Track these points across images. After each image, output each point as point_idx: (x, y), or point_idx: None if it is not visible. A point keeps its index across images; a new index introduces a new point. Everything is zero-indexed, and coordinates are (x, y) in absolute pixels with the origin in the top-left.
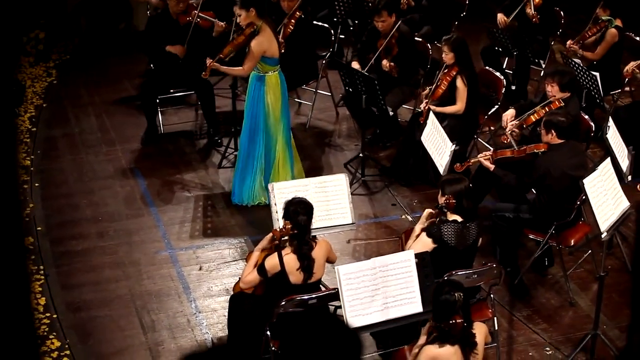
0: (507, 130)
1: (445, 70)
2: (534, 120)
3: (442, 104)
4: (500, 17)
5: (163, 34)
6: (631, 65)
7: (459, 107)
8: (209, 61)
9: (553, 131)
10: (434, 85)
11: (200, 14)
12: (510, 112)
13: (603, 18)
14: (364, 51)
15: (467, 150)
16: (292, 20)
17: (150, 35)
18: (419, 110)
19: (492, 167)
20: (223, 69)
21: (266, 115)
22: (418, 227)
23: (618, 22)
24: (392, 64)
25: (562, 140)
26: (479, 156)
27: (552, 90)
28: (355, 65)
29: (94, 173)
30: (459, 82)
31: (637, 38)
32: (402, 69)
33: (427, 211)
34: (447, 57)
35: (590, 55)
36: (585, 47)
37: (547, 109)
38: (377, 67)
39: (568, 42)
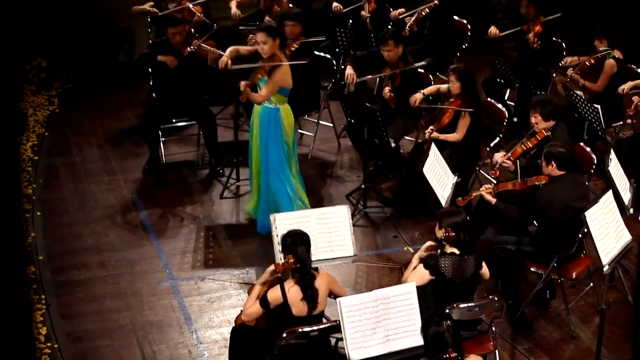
0: (496, 164)
1: (452, 100)
2: (520, 152)
3: (444, 132)
4: (492, 29)
5: (164, 62)
6: (628, 85)
7: (458, 136)
8: (242, 84)
9: (553, 162)
10: (440, 114)
11: (202, 43)
12: (500, 154)
13: (600, 49)
14: (363, 63)
15: (469, 182)
16: (295, 43)
17: (150, 55)
18: (420, 141)
19: (493, 200)
20: (252, 95)
21: (287, 145)
22: (415, 259)
23: (617, 53)
24: (392, 94)
25: (563, 172)
26: (480, 190)
27: (536, 120)
28: (349, 69)
29: (95, 202)
30: (463, 115)
31: (639, 70)
32: (403, 100)
33: (428, 243)
34: (454, 86)
35: (592, 85)
36: (586, 78)
37: (533, 139)
38: (380, 96)
39: (569, 71)
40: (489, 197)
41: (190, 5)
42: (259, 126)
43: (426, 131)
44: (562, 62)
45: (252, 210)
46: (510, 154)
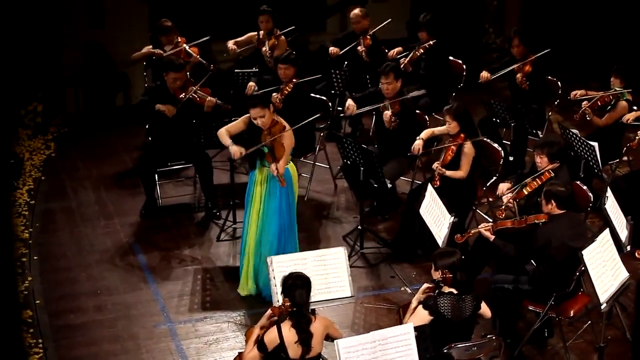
0: (503, 204)
1: (452, 138)
2: (526, 193)
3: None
4: (484, 73)
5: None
6: (632, 115)
7: (463, 172)
8: (273, 168)
9: (553, 201)
10: (442, 152)
11: (199, 90)
12: (506, 185)
13: (617, 89)
14: (360, 103)
15: (466, 222)
16: (290, 84)
17: (148, 102)
18: (419, 182)
19: (492, 237)
20: (281, 179)
21: (296, 203)
22: (415, 301)
23: (629, 96)
24: (393, 116)
25: (563, 211)
26: (479, 227)
27: (542, 161)
28: (349, 101)
29: (92, 246)
30: (467, 148)
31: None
32: (400, 139)
33: (425, 286)
34: (451, 126)
35: (598, 121)
36: (595, 112)
37: (538, 180)
38: (378, 136)
39: (583, 103)
40: (487, 234)
41: (187, 47)
42: (268, 193)
43: (434, 167)
44: (571, 95)
45: (251, 288)
46: (515, 195)
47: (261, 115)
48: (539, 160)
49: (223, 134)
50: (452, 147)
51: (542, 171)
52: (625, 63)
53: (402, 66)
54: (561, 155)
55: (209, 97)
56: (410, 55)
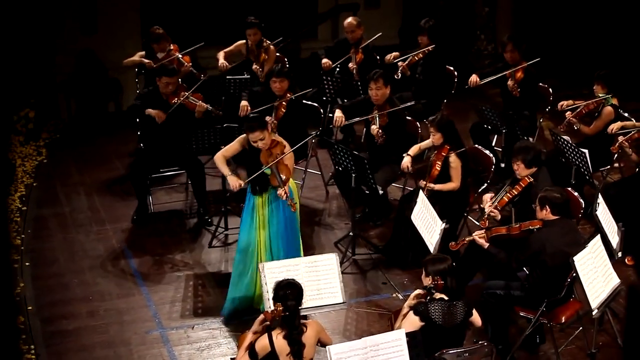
0: (486, 214)
1: (436, 151)
2: (506, 201)
3: (437, 183)
4: (473, 77)
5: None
6: (617, 125)
7: (455, 184)
8: (282, 193)
9: (547, 207)
10: (429, 167)
11: (190, 96)
12: (489, 196)
13: (600, 95)
14: (351, 111)
15: (458, 228)
16: (284, 103)
17: (139, 107)
18: (410, 189)
19: (486, 245)
20: (292, 203)
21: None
22: (406, 307)
23: (614, 101)
24: (380, 131)
25: (557, 217)
26: (473, 234)
27: (519, 168)
28: (337, 113)
29: (84, 252)
30: (453, 160)
31: (626, 114)
32: (390, 143)
33: (417, 291)
34: (435, 137)
35: (586, 129)
36: (582, 121)
37: (517, 187)
38: (369, 142)
39: (567, 114)
40: (481, 242)
41: (180, 56)
42: (271, 212)
43: (420, 184)
44: (559, 106)
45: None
46: (496, 204)
47: (261, 138)
48: (515, 167)
49: (220, 160)
50: (438, 161)
51: (520, 177)
52: (606, 69)
53: (400, 69)
54: (538, 160)
55: (200, 102)
56: (409, 59)
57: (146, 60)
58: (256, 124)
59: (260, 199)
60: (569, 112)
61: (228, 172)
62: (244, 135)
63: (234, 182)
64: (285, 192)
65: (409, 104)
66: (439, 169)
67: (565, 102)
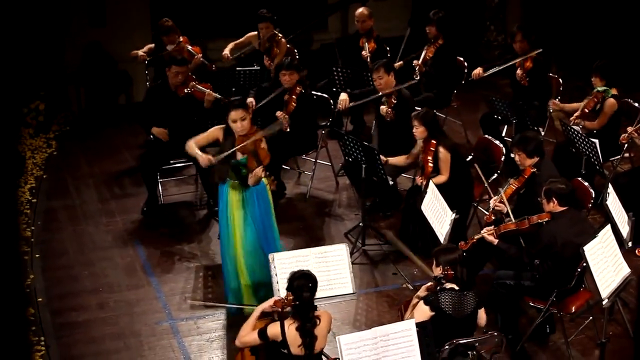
0: (491, 208)
1: (424, 149)
2: (510, 192)
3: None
4: (477, 70)
5: (161, 105)
6: (630, 129)
7: (445, 177)
8: (259, 171)
9: (554, 199)
10: (421, 165)
11: (198, 85)
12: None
13: (599, 89)
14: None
15: (467, 219)
16: (294, 97)
17: (147, 105)
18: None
19: (495, 241)
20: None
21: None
22: (416, 298)
23: (614, 91)
24: (390, 110)
25: (564, 208)
26: (482, 232)
27: (520, 158)
28: (342, 95)
29: (94, 244)
30: (442, 152)
31: (636, 104)
32: (400, 127)
33: (428, 284)
34: (418, 131)
35: (592, 124)
36: (586, 117)
37: (520, 178)
38: (380, 132)
39: (572, 118)
40: (490, 239)
41: (190, 47)
42: (246, 205)
43: (417, 182)
44: (550, 104)
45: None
46: (501, 196)
47: (242, 117)
48: (517, 158)
49: (190, 146)
50: (428, 157)
51: (523, 168)
52: (604, 60)
53: (416, 68)
54: (539, 150)
55: (209, 91)
56: (423, 55)
57: (141, 55)
58: (237, 102)
59: (234, 197)
60: (573, 117)
61: (197, 151)
62: (219, 126)
63: (204, 159)
64: (263, 170)
65: (413, 81)
66: (431, 165)
67: (559, 105)
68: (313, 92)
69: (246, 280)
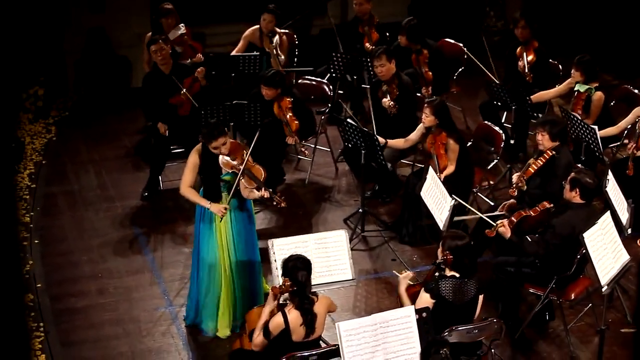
0: (514, 184)
1: (434, 142)
2: (532, 172)
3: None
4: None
5: (159, 89)
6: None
7: (452, 167)
8: (264, 192)
9: (578, 190)
10: (435, 159)
11: (191, 43)
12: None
13: (581, 90)
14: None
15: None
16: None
17: (147, 93)
18: (420, 166)
19: (508, 234)
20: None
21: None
22: (401, 287)
23: (595, 84)
24: (392, 102)
25: (583, 202)
26: (497, 225)
27: (543, 139)
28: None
29: (93, 230)
30: (452, 144)
31: (636, 91)
32: (403, 117)
33: (409, 273)
34: (428, 119)
35: (586, 120)
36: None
37: (541, 159)
38: (378, 118)
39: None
40: (502, 230)
41: (191, 44)
42: (235, 222)
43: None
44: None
45: (232, 325)
46: (523, 174)
47: (223, 143)
48: (539, 138)
49: (189, 192)
50: (441, 149)
51: (543, 149)
52: (587, 55)
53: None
54: (563, 135)
55: (199, 55)
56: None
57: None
58: (217, 131)
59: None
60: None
61: (207, 202)
62: (193, 153)
63: (219, 209)
64: (268, 191)
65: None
66: (444, 155)
67: (534, 97)
68: (309, 78)
69: (229, 300)
